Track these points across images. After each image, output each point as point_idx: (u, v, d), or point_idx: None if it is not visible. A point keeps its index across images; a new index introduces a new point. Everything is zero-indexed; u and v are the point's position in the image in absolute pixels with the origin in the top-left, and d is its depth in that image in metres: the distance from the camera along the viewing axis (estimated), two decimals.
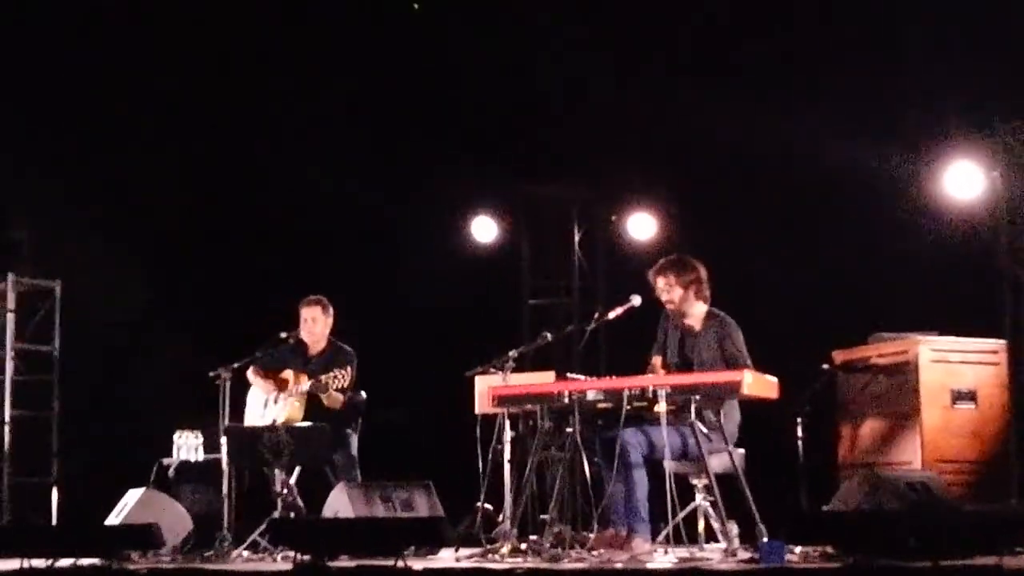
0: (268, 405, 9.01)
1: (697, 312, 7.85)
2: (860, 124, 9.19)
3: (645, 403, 7.32)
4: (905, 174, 9.25)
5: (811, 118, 9.25)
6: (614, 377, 7.58)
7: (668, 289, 7.82)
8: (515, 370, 8.09)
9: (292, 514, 8.47)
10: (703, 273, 7.84)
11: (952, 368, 8.42)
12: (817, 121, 9.23)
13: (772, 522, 7.03)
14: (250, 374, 9.04)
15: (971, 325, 8.53)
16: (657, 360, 7.89)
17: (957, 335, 8.49)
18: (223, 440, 8.49)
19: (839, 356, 8.75)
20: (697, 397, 7.26)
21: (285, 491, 8.51)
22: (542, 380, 8.20)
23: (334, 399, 8.80)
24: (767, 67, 9.64)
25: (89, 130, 11.01)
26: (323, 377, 8.66)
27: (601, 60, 10.35)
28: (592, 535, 7.49)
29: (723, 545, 7.27)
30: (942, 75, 8.92)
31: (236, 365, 8.67)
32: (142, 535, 7.73)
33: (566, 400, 7.51)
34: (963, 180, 8.93)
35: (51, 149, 10.98)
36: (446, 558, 7.67)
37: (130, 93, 10.94)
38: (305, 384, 8.79)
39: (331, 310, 9.14)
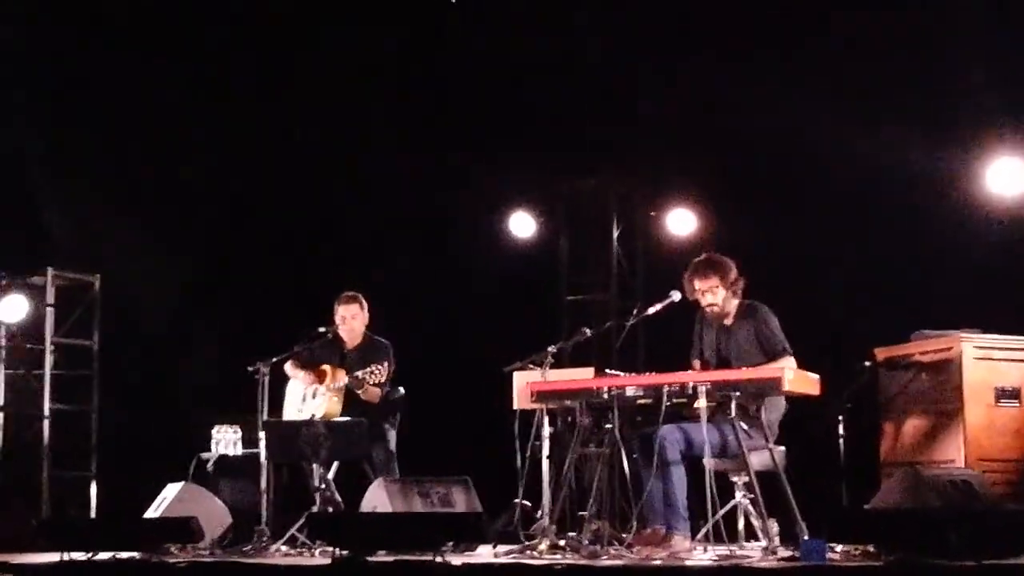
0: (306, 400, 9.02)
1: (732, 307, 7.81)
2: (905, 120, 9.10)
3: (685, 400, 7.28)
4: (950, 170, 9.17)
5: (855, 114, 9.18)
6: (653, 373, 7.54)
7: (712, 292, 7.75)
8: (554, 366, 8.06)
9: (330, 509, 8.47)
10: (736, 271, 7.78)
11: (996, 366, 8.32)
12: (860, 117, 9.16)
13: (813, 520, 6.98)
14: (288, 366, 9.04)
15: (1015, 322, 8.43)
16: (697, 364, 7.84)
17: (1001, 332, 8.39)
18: (261, 435, 8.50)
19: (881, 353, 8.68)
20: (737, 394, 7.22)
21: (323, 486, 8.51)
22: (581, 376, 8.17)
23: (371, 394, 8.79)
24: (811, 62, 9.55)
25: (129, 124, 11.02)
26: (360, 373, 8.66)
27: (641, 54, 10.31)
28: (631, 532, 7.45)
29: (763, 543, 7.21)
30: (987, 71, 8.83)
31: (274, 360, 8.67)
32: (181, 529, 7.76)
33: (605, 396, 7.48)
34: (1008, 176, 8.86)
35: (90, 143, 11.01)
36: (484, 554, 7.66)
37: (168, 85, 10.95)
38: (342, 380, 8.79)
39: (366, 306, 9.14)
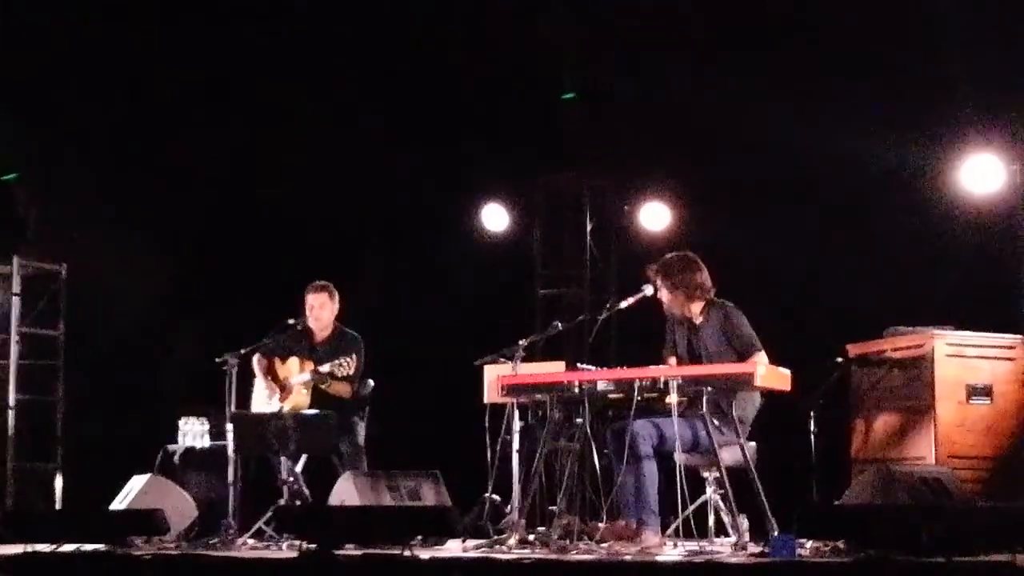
0: (274, 392, 8.95)
1: (695, 307, 7.78)
2: (877, 116, 9.11)
3: (656, 394, 7.24)
4: (923, 166, 9.16)
5: (827, 110, 9.17)
6: (625, 368, 7.50)
7: (659, 289, 7.76)
8: (525, 360, 8.03)
9: (298, 502, 8.43)
10: (698, 277, 7.71)
11: (968, 363, 8.31)
12: (833, 113, 9.15)
13: (783, 516, 6.94)
14: (255, 365, 8.97)
15: (988, 319, 8.43)
16: (672, 361, 7.82)
17: (974, 329, 8.39)
18: (229, 427, 8.44)
19: (853, 349, 8.66)
20: (709, 389, 7.19)
21: (291, 479, 8.47)
22: (552, 370, 8.13)
23: (340, 388, 8.73)
24: (784, 59, 9.54)
25: (99, 112, 10.94)
26: (327, 365, 8.59)
27: (616, 48, 10.28)
28: (601, 527, 7.41)
29: (733, 539, 7.20)
30: (960, 67, 8.82)
31: (243, 351, 8.62)
32: (146, 521, 7.69)
33: (576, 390, 7.43)
34: (981, 173, 8.85)
35: (59, 131, 10.92)
36: (453, 548, 7.62)
37: (142, 75, 10.87)
38: (305, 375, 8.72)
39: (337, 296, 9.08)
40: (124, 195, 10.97)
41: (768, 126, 9.37)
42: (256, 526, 8.13)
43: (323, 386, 8.69)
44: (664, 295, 7.75)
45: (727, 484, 7.23)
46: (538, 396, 7.71)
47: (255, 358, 8.95)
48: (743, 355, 7.51)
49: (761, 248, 9.44)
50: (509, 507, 7.97)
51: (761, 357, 7.47)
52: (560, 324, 8.26)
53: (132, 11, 10.78)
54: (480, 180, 11.22)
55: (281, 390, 8.88)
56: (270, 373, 9.00)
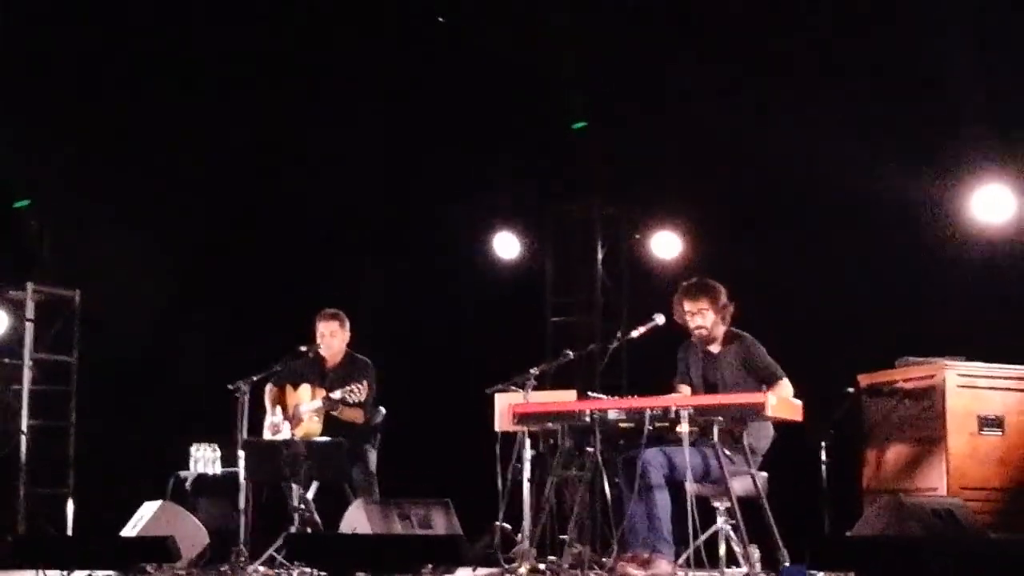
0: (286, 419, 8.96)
1: (718, 334, 7.78)
2: (890, 147, 9.11)
3: (667, 424, 7.24)
4: (935, 197, 9.17)
5: (840, 140, 9.17)
6: (636, 397, 7.51)
7: (702, 314, 7.72)
8: (536, 388, 8.04)
9: (309, 529, 8.42)
10: (726, 298, 7.77)
11: (979, 394, 8.30)
12: (846, 143, 9.15)
13: (794, 547, 6.93)
14: (267, 398, 8.99)
15: (999, 351, 8.42)
16: (684, 389, 7.81)
17: (985, 360, 8.38)
18: (241, 454, 8.45)
19: (865, 380, 8.66)
20: (720, 418, 7.18)
21: (302, 506, 8.46)
22: (563, 398, 8.14)
23: (352, 414, 8.74)
24: (798, 87, 9.56)
25: (111, 139, 10.98)
26: (338, 392, 8.60)
27: (627, 76, 10.30)
28: (611, 556, 7.40)
29: (744, 569, 7.19)
30: (973, 99, 8.83)
31: (255, 378, 8.62)
32: (158, 548, 7.67)
33: (587, 419, 7.43)
34: (993, 203, 8.87)
35: (72, 158, 10.96)
36: None
37: (152, 101, 10.91)
38: (316, 402, 8.74)
39: (348, 323, 9.09)
40: (137, 221, 11.00)
41: (780, 156, 9.39)
42: (267, 553, 8.12)
43: (335, 412, 8.70)
44: (708, 319, 7.73)
45: (738, 514, 7.21)
46: (549, 424, 7.70)
47: (267, 388, 8.96)
48: (767, 384, 7.51)
49: (772, 277, 9.43)
50: (520, 536, 7.97)
51: (785, 384, 7.47)
52: (571, 352, 8.26)
53: (129, 30, 10.77)
54: (492, 208, 11.25)
55: (291, 419, 8.88)
56: (280, 402, 9.01)
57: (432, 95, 10.96)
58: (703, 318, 7.72)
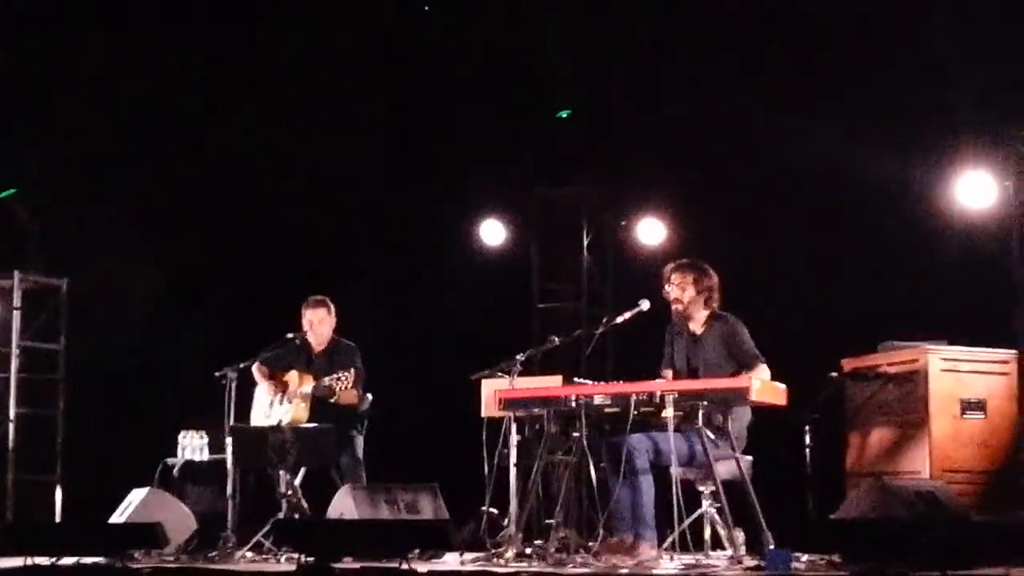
0: (274, 406, 8.98)
1: (700, 316, 7.83)
2: (873, 132, 9.14)
3: (652, 409, 7.28)
4: (918, 182, 9.21)
5: (823, 125, 9.21)
6: (621, 382, 7.55)
7: (681, 288, 7.78)
8: (522, 374, 8.05)
9: (296, 515, 8.45)
10: (716, 283, 7.81)
11: (962, 378, 8.36)
12: (829, 128, 9.19)
13: (779, 530, 6.97)
14: (255, 371, 9.01)
15: (982, 335, 8.48)
16: (668, 375, 7.86)
17: (967, 344, 8.44)
18: (228, 440, 8.47)
19: (848, 364, 8.71)
20: (704, 403, 7.23)
21: (290, 492, 8.48)
22: (549, 384, 8.17)
23: (348, 397, 8.75)
24: (781, 74, 9.59)
25: (99, 127, 10.97)
26: (327, 380, 8.62)
27: (613, 64, 10.32)
28: (597, 541, 7.45)
29: (729, 552, 7.22)
30: (956, 84, 8.87)
31: (242, 365, 8.65)
32: (146, 534, 7.71)
33: (573, 404, 7.47)
34: (976, 189, 8.91)
35: (60, 146, 10.95)
36: (450, 562, 7.65)
37: (141, 88, 10.91)
38: (308, 386, 8.76)
39: (334, 310, 9.11)
40: (125, 210, 10.99)
41: (764, 141, 9.43)
42: (255, 539, 8.15)
43: (332, 399, 8.71)
44: (686, 295, 7.77)
45: (723, 498, 7.26)
46: (535, 410, 7.74)
47: (255, 367, 8.97)
48: (745, 367, 7.56)
49: (755, 262, 9.46)
50: (506, 520, 8.00)
51: (764, 369, 7.52)
52: (557, 338, 8.28)
53: (124, 21, 10.78)
54: (478, 195, 11.26)
55: (283, 394, 8.90)
56: (272, 378, 9.02)
57: (418, 83, 10.97)
58: (681, 291, 7.77)
